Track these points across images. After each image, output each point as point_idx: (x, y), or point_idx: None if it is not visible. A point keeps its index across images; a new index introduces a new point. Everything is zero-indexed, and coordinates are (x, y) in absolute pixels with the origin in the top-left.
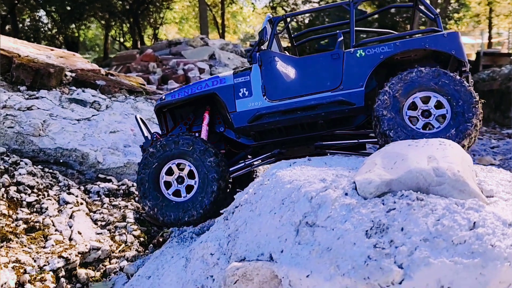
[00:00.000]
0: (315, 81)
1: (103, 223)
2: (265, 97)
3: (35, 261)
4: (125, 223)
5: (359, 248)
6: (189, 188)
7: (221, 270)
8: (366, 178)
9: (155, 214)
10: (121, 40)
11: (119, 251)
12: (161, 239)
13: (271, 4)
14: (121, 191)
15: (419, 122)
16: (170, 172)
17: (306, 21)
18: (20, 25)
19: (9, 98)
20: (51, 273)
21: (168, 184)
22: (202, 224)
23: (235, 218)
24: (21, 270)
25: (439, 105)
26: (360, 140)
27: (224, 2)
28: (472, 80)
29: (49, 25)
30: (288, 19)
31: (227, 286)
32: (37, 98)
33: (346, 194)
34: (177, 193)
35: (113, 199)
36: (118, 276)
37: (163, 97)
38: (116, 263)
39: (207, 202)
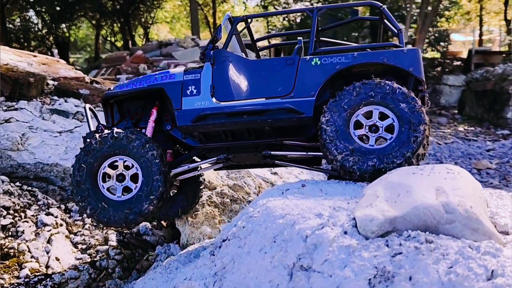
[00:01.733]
0: (266, 85)
1: (84, 246)
2: (213, 97)
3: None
4: (107, 247)
5: None
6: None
7: None
8: (367, 215)
9: (97, 217)
10: (112, 39)
11: (100, 279)
12: (145, 263)
13: (262, 3)
14: None
15: (370, 138)
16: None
17: (298, 20)
18: (10, 25)
19: None
20: None
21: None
22: (188, 251)
23: (222, 254)
24: None
25: (383, 117)
26: (310, 153)
27: (216, 1)
28: (429, 102)
29: (39, 26)
30: (249, 20)
31: None
32: (16, 109)
33: (346, 232)
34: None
35: None
36: None
37: (111, 88)
38: None
39: (152, 199)
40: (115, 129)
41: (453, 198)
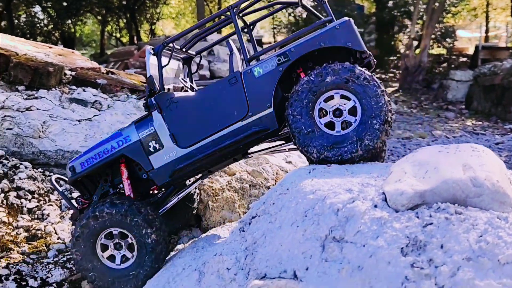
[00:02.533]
0: (221, 113)
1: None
2: (177, 145)
3: (37, 272)
4: None
5: (395, 268)
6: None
7: (239, 287)
8: (397, 189)
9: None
10: (118, 35)
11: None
12: (169, 246)
13: None
14: None
15: (337, 124)
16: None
17: (304, 15)
18: (16, 21)
19: (7, 98)
20: (54, 285)
21: (107, 250)
22: (211, 234)
23: (252, 230)
24: (23, 283)
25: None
26: (284, 145)
27: None
28: (375, 61)
29: (45, 21)
30: (171, 45)
31: None
32: (36, 98)
33: (376, 206)
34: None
35: None
36: None
37: (73, 168)
38: None
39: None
40: (94, 209)
41: (480, 173)
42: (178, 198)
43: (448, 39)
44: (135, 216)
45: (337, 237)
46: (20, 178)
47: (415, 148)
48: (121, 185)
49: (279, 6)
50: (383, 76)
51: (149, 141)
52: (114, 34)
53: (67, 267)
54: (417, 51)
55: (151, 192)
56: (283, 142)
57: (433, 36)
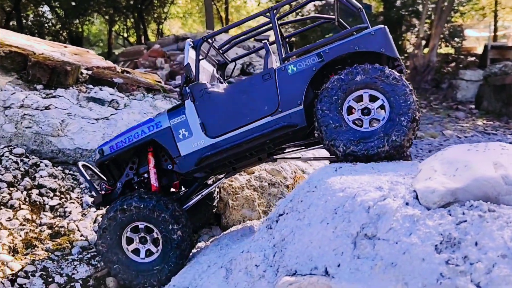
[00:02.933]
0: (252, 107)
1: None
2: (206, 135)
3: (62, 269)
4: None
5: (429, 265)
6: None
7: (268, 284)
8: (428, 187)
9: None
10: (125, 35)
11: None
12: None
13: None
14: None
15: (365, 121)
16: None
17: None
18: (24, 21)
19: (26, 97)
20: (80, 281)
21: (132, 244)
22: (233, 231)
23: (280, 227)
24: (49, 279)
25: (373, 99)
26: (310, 148)
27: None
28: (405, 70)
29: (53, 21)
30: (210, 40)
31: None
32: (54, 97)
33: (407, 203)
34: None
35: None
36: None
37: (101, 150)
38: None
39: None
40: (122, 202)
41: None
42: (202, 195)
43: (456, 39)
44: (163, 211)
45: (369, 234)
46: (41, 176)
47: (427, 148)
48: (145, 175)
49: (314, 21)
50: None
51: (179, 128)
52: (121, 34)
53: (92, 264)
54: (425, 50)
55: (171, 190)
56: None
57: (441, 36)
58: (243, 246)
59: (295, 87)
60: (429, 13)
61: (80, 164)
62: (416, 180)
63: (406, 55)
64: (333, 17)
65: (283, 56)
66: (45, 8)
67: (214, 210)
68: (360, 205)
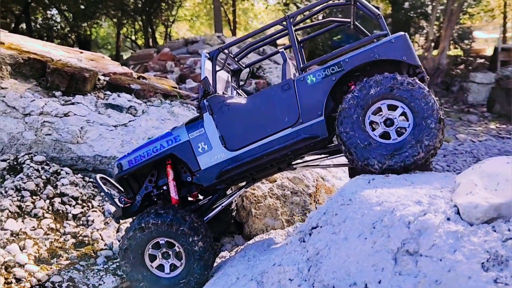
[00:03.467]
0: (272, 119)
1: None
2: (226, 148)
3: (88, 279)
4: None
5: (476, 283)
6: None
7: None
8: (471, 202)
9: None
10: (133, 38)
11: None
12: None
13: (283, 1)
14: None
15: (391, 132)
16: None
17: (320, 16)
18: (33, 24)
19: (45, 104)
20: None
21: (155, 260)
22: (257, 241)
23: (314, 240)
24: None
25: (393, 109)
26: (333, 157)
27: None
28: (428, 77)
29: (62, 24)
30: (226, 51)
31: None
32: (73, 103)
33: (449, 219)
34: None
35: None
36: None
37: (120, 165)
38: None
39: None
40: (140, 221)
41: None
42: (222, 206)
43: (465, 41)
44: (181, 224)
45: (410, 251)
46: (63, 184)
47: (442, 152)
48: (164, 187)
49: (331, 25)
50: None
51: (198, 142)
52: (129, 37)
53: (117, 274)
54: (434, 52)
55: (189, 199)
56: (328, 155)
57: (450, 38)
58: (274, 259)
59: (315, 98)
60: (437, 15)
61: (98, 177)
62: (456, 194)
63: None
64: (349, 20)
65: (302, 66)
66: (54, 11)
67: (234, 217)
68: (399, 220)
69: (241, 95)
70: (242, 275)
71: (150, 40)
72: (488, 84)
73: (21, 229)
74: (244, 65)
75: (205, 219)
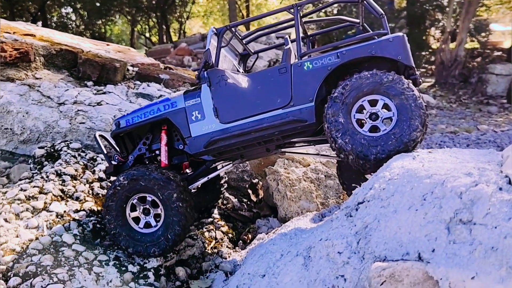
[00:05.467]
0: (265, 98)
1: None
2: (217, 119)
3: (133, 258)
4: (211, 219)
5: None
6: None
7: (354, 270)
8: None
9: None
10: (147, 35)
11: (211, 247)
12: (250, 235)
13: None
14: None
15: (380, 125)
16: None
17: (335, 11)
18: (48, 22)
19: (79, 93)
20: (152, 270)
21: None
22: (298, 220)
23: (361, 215)
24: (123, 268)
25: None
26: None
27: None
28: (421, 80)
29: (77, 22)
30: (233, 29)
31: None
32: (104, 93)
33: (501, 189)
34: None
35: None
36: (216, 274)
37: (118, 123)
38: (210, 260)
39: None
40: (132, 171)
41: None
42: (208, 178)
43: (482, 33)
44: (161, 179)
45: (464, 220)
46: (100, 170)
47: (465, 142)
48: (157, 152)
49: (341, 23)
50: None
51: (193, 110)
52: (143, 34)
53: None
54: (451, 45)
55: (182, 171)
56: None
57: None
58: (321, 234)
59: (309, 84)
60: (454, 7)
61: (97, 134)
62: (506, 166)
63: (430, 50)
64: (357, 21)
65: (302, 52)
66: (69, 9)
67: (223, 192)
68: (451, 191)
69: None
70: (286, 252)
71: (164, 37)
72: (507, 75)
73: (65, 211)
74: (252, 51)
75: (189, 187)
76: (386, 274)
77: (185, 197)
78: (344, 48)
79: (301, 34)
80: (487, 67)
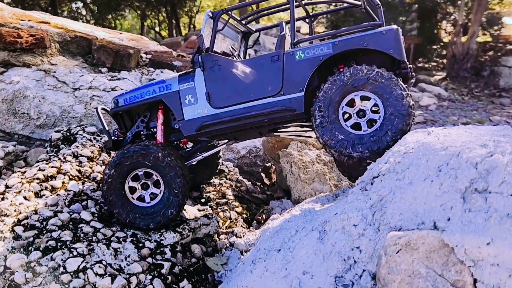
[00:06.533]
0: (256, 86)
1: (203, 200)
2: (210, 104)
3: (150, 236)
4: (225, 200)
5: None
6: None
7: (369, 241)
8: None
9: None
10: (157, 29)
11: (226, 227)
12: (264, 216)
13: None
14: None
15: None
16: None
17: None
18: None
19: (93, 79)
20: (168, 247)
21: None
22: (312, 200)
23: (376, 188)
24: (140, 244)
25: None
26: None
27: None
28: (413, 74)
29: (87, 17)
30: (230, 12)
31: (389, 256)
32: (118, 79)
33: None
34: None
35: None
36: (230, 251)
37: (117, 101)
38: (225, 238)
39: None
40: (130, 147)
41: None
42: (202, 156)
43: (494, 27)
44: (156, 152)
45: (479, 189)
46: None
47: None
48: (154, 129)
49: (342, 5)
50: (426, 65)
51: (187, 94)
52: (153, 28)
53: (177, 231)
54: (463, 38)
55: (181, 146)
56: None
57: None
58: (336, 209)
59: (300, 74)
60: (466, 0)
61: (99, 108)
62: None
63: (441, 43)
64: (359, 3)
65: (295, 40)
66: (79, 4)
67: (218, 168)
68: (467, 162)
69: (245, 57)
70: (301, 227)
71: (174, 32)
72: None
73: (82, 190)
74: (254, 29)
75: (186, 163)
76: (402, 242)
77: (183, 172)
78: (338, 38)
79: (303, 16)
80: (499, 60)
